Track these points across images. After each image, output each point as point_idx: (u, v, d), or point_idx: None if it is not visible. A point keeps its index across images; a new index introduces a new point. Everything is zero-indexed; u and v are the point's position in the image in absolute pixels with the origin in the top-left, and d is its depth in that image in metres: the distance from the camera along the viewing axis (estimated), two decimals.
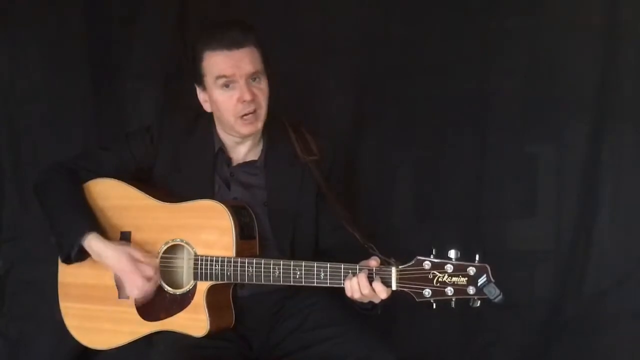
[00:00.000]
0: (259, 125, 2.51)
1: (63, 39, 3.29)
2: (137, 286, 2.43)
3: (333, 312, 2.54)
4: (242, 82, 2.44)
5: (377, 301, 2.31)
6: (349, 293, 2.31)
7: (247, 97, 2.43)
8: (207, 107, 2.56)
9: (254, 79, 2.47)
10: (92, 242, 2.44)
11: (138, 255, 2.44)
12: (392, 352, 2.43)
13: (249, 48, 2.45)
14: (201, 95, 2.55)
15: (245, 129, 2.50)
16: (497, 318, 3.26)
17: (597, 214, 3.28)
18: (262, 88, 2.48)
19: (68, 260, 2.49)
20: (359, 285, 2.27)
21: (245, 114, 2.46)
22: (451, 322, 3.28)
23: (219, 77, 2.45)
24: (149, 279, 2.43)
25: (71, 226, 2.47)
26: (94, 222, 2.49)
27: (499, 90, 3.32)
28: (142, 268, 2.42)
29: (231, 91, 2.46)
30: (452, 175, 3.35)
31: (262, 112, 2.49)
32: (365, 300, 2.32)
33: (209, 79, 2.48)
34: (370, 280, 2.27)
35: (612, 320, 3.26)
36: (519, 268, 3.32)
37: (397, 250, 2.34)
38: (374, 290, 2.26)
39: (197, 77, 2.51)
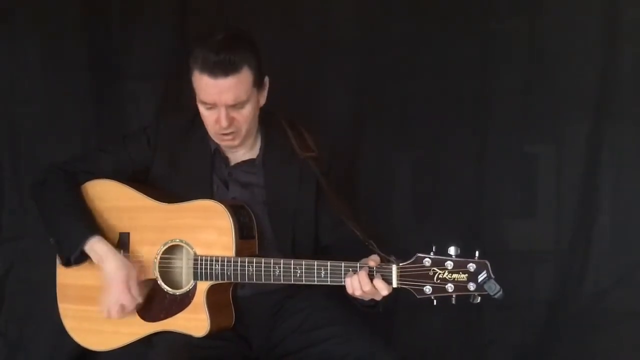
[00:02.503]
0: (237, 142, 2.51)
1: (63, 39, 3.30)
2: (111, 307, 2.43)
3: (333, 312, 2.54)
4: (222, 109, 2.41)
5: (378, 299, 2.31)
6: (350, 290, 2.30)
7: (224, 124, 2.42)
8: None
9: (238, 107, 2.44)
10: (96, 245, 2.44)
11: (133, 284, 2.44)
12: (392, 351, 2.43)
13: (236, 76, 2.38)
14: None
15: (223, 143, 2.53)
16: (497, 318, 3.27)
17: (597, 214, 3.28)
18: (243, 113, 2.45)
19: (68, 264, 2.49)
20: (359, 282, 2.27)
21: (224, 134, 2.47)
22: (451, 322, 3.28)
23: (201, 101, 2.44)
24: (123, 308, 2.44)
25: (73, 229, 2.47)
26: (95, 225, 2.49)
27: (499, 90, 3.32)
28: (125, 296, 2.42)
29: (211, 111, 2.44)
30: (451, 175, 3.35)
31: (241, 133, 2.49)
32: (367, 298, 2.32)
33: (196, 94, 2.45)
34: (371, 277, 2.27)
35: (612, 320, 3.26)
36: (518, 268, 3.31)
37: (397, 251, 2.33)
38: (375, 287, 2.26)
39: (191, 83, 2.48)
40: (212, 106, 2.42)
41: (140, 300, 2.46)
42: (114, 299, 2.43)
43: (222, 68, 2.35)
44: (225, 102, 2.39)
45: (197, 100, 2.46)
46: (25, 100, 3.32)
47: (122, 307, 2.44)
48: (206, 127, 2.51)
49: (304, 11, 3.30)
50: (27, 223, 3.25)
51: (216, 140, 2.54)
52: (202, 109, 2.46)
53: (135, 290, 2.44)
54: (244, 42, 2.43)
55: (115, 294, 2.43)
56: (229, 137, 2.48)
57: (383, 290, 2.26)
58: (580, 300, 3.28)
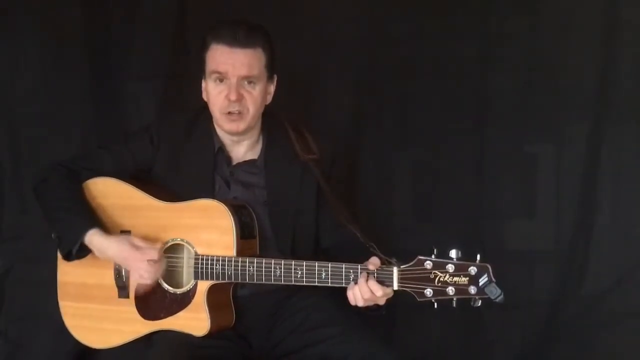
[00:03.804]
0: (242, 126, 2.51)
1: (63, 39, 3.29)
2: (143, 270, 2.41)
3: (333, 312, 2.54)
4: (233, 80, 2.45)
5: (381, 303, 2.32)
6: (352, 302, 2.32)
7: (233, 96, 2.45)
8: (204, 96, 2.57)
9: (249, 83, 2.48)
10: (94, 238, 2.44)
11: (139, 242, 2.44)
12: (392, 351, 2.44)
13: (252, 49, 2.45)
14: (203, 84, 2.56)
15: (227, 126, 2.52)
16: (497, 318, 3.26)
17: (597, 214, 3.28)
18: (253, 93, 2.49)
19: (69, 257, 2.49)
20: (360, 292, 2.28)
21: (230, 112, 2.48)
22: (451, 322, 3.28)
23: (213, 71, 2.47)
24: (153, 262, 2.41)
25: (72, 223, 2.47)
26: (95, 219, 2.50)
27: (499, 90, 3.31)
28: (145, 252, 2.41)
29: (222, 86, 2.48)
30: (451, 175, 3.34)
31: (248, 115, 2.50)
32: (371, 304, 2.33)
33: (207, 69, 2.50)
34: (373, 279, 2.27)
35: (612, 320, 3.26)
36: (519, 268, 3.31)
37: (397, 251, 2.34)
38: (374, 293, 2.27)
39: (201, 65, 2.52)
40: (223, 77, 2.46)
41: (157, 246, 2.43)
42: (140, 266, 2.41)
43: (239, 41, 2.44)
44: (239, 72, 2.44)
45: (208, 75, 2.50)
46: (25, 100, 3.31)
47: (154, 262, 2.41)
48: (212, 109, 2.52)
49: (304, 11, 3.30)
50: (27, 223, 3.24)
51: (221, 125, 2.54)
52: (211, 85, 2.49)
53: (147, 244, 2.42)
54: (263, 31, 2.52)
55: (136, 262, 2.41)
56: (235, 117, 2.49)
57: (377, 291, 2.26)
58: (580, 300, 3.28)
